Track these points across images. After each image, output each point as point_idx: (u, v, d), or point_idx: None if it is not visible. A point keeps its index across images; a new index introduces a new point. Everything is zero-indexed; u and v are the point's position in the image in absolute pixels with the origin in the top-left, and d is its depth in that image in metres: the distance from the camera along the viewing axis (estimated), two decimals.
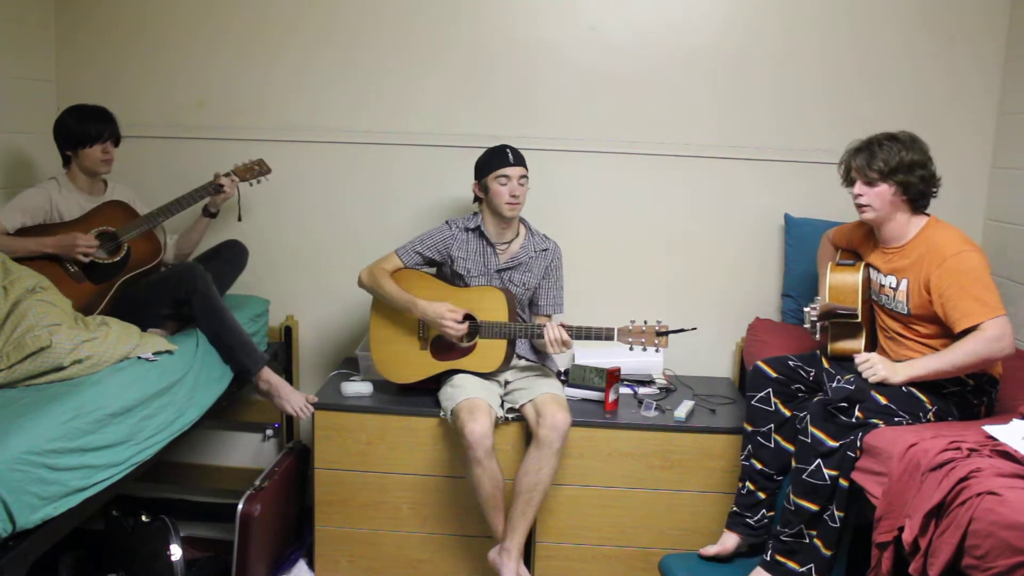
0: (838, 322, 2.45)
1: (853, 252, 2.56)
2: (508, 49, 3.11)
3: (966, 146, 3.08)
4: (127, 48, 3.17)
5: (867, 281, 2.43)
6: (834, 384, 2.36)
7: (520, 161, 2.71)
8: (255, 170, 2.96)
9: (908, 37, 3.05)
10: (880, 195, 2.30)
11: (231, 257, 2.92)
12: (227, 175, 2.88)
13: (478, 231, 2.78)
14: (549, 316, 2.88)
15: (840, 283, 2.45)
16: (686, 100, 3.12)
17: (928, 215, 2.36)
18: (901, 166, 2.27)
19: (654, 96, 3.12)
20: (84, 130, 2.67)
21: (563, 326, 2.58)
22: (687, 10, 3.08)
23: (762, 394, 2.46)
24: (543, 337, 2.59)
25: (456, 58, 3.12)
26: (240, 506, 2.68)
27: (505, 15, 3.11)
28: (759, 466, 2.46)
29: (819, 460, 2.14)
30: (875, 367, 2.22)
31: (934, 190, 2.34)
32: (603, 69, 3.10)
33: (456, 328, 2.64)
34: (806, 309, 2.45)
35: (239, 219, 3.01)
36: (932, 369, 2.19)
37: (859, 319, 2.40)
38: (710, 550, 2.49)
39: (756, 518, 2.46)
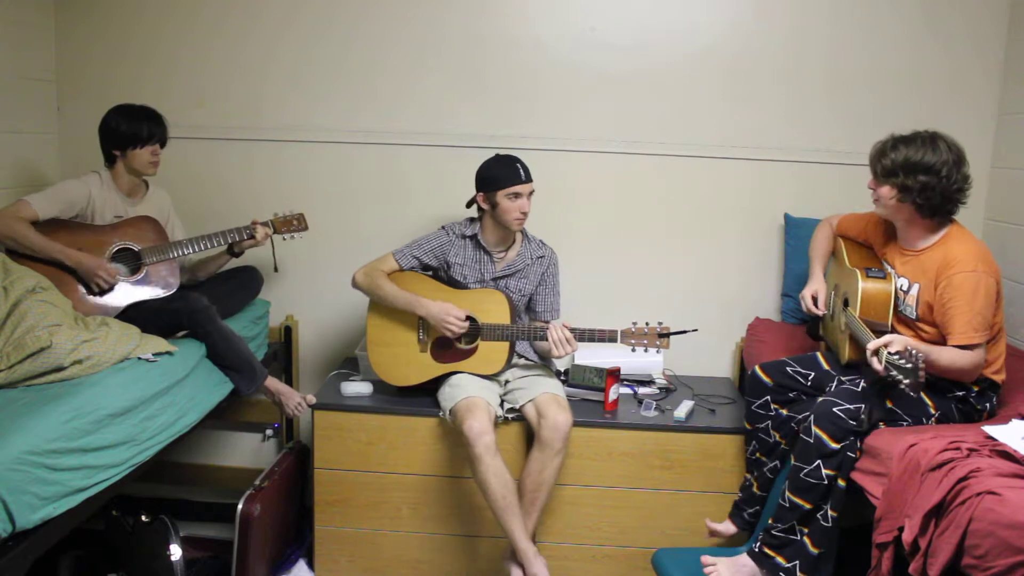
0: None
1: (865, 247, 2.53)
2: (508, 49, 3.11)
3: (966, 146, 3.04)
4: (127, 47, 3.17)
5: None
6: (834, 385, 2.36)
7: (530, 176, 2.68)
8: (293, 224, 2.90)
9: (908, 37, 3.05)
10: (884, 195, 2.27)
11: (248, 283, 2.95)
12: (264, 224, 2.84)
13: (475, 239, 2.78)
14: (547, 322, 2.87)
15: (873, 296, 2.34)
16: (686, 100, 3.12)
17: (952, 221, 2.28)
18: (901, 168, 2.21)
19: (654, 96, 3.12)
20: (136, 131, 2.63)
21: (567, 327, 2.58)
22: (688, 10, 3.08)
23: (760, 401, 2.50)
24: (547, 339, 2.58)
25: (456, 58, 3.12)
26: (240, 506, 2.69)
27: (506, 15, 3.11)
28: (764, 459, 2.51)
29: (819, 461, 2.14)
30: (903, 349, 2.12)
31: (945, 201, 2.21)
32: (603, 69, 3.10)
33: (459, 327, 2.64)
34: (879, 353, 2.02)
35: (275, 270, 3.01)
36: (936, 357, 2.16)
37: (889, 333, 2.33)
38: (716, 526, 2.58)
39: (751, 511, 2.53)
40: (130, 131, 2.63)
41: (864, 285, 2.37)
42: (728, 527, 2.58)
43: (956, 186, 2.21)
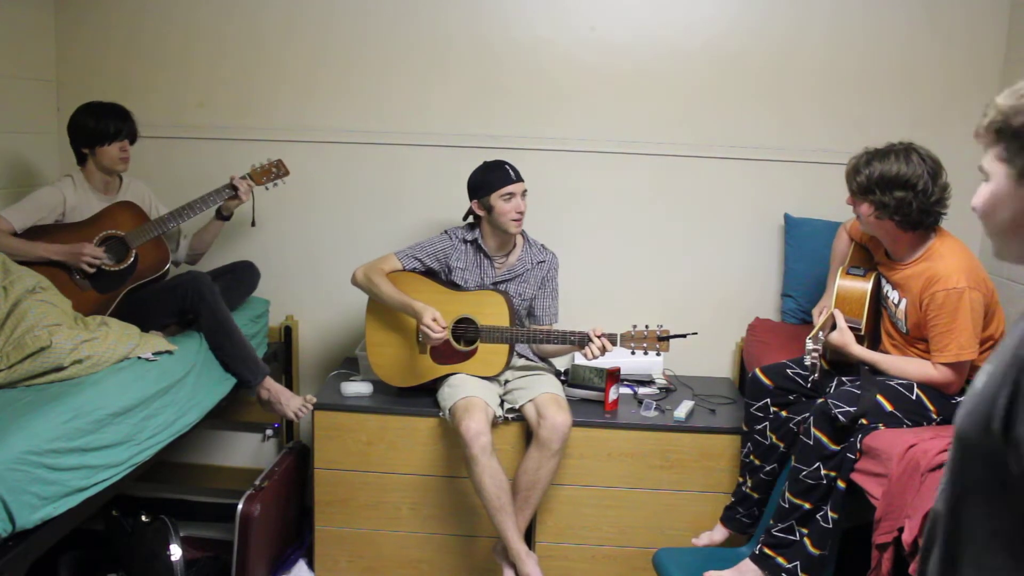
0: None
1: (865, 250, 2.52)
2: (509, 50, 3.11)
3: (966, 146, 3.06)
4: (128, 47, 3.16)
5: (876, 290, 2.39)
6: (834, 384, 2.36)
7: (520, 176, 2.69)
8: (272, 172, 2.86)
9: (909, 37, 3.05)
10: (863, 213, 2.25)
11: (244, 277, 2.94)
12: (243, 178, 2.82)
13: (476, 243, 2.78)
14: (551, 326, 2.87)
15: (848, 292, 2.38)
16: (686, 100, 3.12)
17: (937, 231, 2.25)
18: (876, 185, 2.17)
19: (653, 96, 3.12)
20: (102, 128, 2.64)
21: (603, 335, 2.55)
22: (687, 11, 3.08)
23: (760, 403, 2.49)
24: (583, 346, 2.56)
25: (456, 59, 3.12)
26: (240, 506, 2.68)
27: (506, 16, 3.10)
28: (757, 462, 2.50)
29: (819, 462, 2.14)
30: (841, 334, 2.29)
31: (924, 215, 2.17)
32: (603, 69, 3.10)
33: (434, 334, 2.57)
34: (809, 345, 2.24)
35: (252, 224, 2.96)
36: (886, 367, 2.26)
37: (862, 332, 2.36)
38: (702, 539, 2.55)
39: (745, 513, 2.52)
40: (97, 128, 2.64)
41: (841, 282, 2.39)
42: (720, 532, 2.56)
43: (934, 198, 2.17)
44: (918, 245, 2.25)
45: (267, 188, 2.89)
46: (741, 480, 2.56)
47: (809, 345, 2.23)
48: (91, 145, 2.66)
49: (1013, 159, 1.01)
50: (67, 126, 2.68)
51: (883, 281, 2.39)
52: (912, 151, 2.19)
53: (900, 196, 2.15)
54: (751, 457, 2.52)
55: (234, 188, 2.79)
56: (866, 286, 2.36)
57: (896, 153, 2.19)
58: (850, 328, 2.33)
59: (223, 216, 2.89)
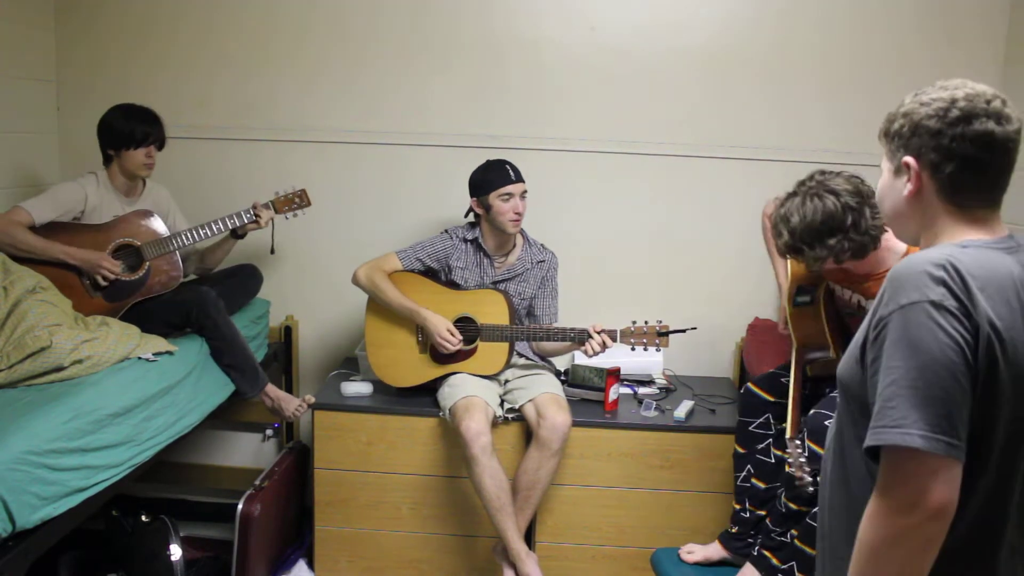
0: (816, 362, 2.30)
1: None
2: (509, 50, 3.11)
3: None
4: (128, 47, 3.16)
5: (828, 306, 2.25)
6: (827, 393, 2.35)
7: (520, 176, 2.69)
8: (295, 202, 2.84)
9: (907, 37, 3.05)
10: (807, 266, 2.05)
11: (247, 280, 2.93)
12: (265, 205, 2.79)
13: (476, 242, 2.78)
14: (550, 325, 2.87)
15: (805, 327, 2.25)
16: (686, 100, 3.12)
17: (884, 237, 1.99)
18: (802, 241, 1.93)
19: (654, 96, 3.12)
20: (130, 131, 2.61)
21: (603, 331, 2.56)
22: (686, 10, 3.08)
23: (761, 420, 2.38)
24: (583, 343, 2.57)
25: (456, 59, 3.12)
26: (240, 506, 2.69)
27: (505, 16, 3.10)
28: (763, 485, 2.34)
29: (814, 470, 2.12)
30: None
31: (872, 240, 1.92)
32: (603, 69, 3.10)
33: (449, 346, 2.64)
34: (793, 471, 1.95)
35: (272, 251, 2.95)
36: None
37: (831, 356, 2.23)
38: (696, 555, 2.42)
39: (754, 537, 2.35)
40: (124, 132, 2.61)
41: (793, 315, 2.27)
42: (717, 551, 2.41)
43: (874, 221, 1.90)
44: (889, 257, 2.07)
45: (287, 218, 2.87)
46: (739, 507, 2.38)
47: (794, 471, 1.95)
48: (117, 148, 2.63)
49: (891, 158, 1.27)
50: (97, 124, 2.65)
51: (849, 293, 2.23)
52: (822, 187, 1.94)
53: (832, 243, 1.91)
54: (752, 480, 2.35)
55: (256, 216, 2.76)
56: (819, 311, 2.23)
57: (807, 196, 1.94)
58: (820, 358, 2.23)
59: (237, 235, 2.86)
